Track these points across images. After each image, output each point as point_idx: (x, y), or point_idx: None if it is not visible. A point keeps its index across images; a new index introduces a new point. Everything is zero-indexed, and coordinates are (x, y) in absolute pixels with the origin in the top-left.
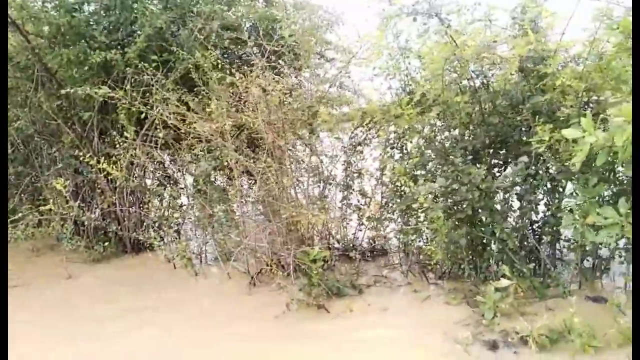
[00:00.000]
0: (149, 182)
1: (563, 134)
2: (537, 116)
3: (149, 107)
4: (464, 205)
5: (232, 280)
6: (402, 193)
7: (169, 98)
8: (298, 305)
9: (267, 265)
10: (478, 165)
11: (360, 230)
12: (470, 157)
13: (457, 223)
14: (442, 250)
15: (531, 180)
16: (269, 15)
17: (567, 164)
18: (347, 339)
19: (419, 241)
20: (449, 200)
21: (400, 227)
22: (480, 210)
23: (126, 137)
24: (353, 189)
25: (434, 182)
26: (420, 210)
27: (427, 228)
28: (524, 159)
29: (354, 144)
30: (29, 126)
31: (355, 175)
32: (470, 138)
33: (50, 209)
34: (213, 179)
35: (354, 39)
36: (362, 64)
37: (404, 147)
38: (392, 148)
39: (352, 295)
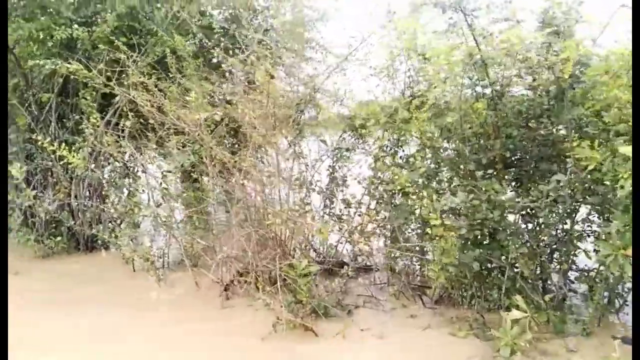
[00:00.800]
0: (109, 174)
1: (623, 152)
2: (573, 130)
3: (124, 90)
4: (476, 224)
5: (202, 289)
6: (394, 205)
7: (145, 83)
8: (285, 325)
9: (241, 275)
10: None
11: (342, 243)
12: (490, 171)
13: (468, 244)
14: (445, 272)
15: (552, 201)
16: (251, 5)
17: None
18: None
19: (415, 260)
20: (455, 218)
21: (390, 243)
22: (495, 232)
23: (93, 124)
24: (336, 198)
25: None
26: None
27: (433, 247)
28: (560, 176)
29: (342, 147)
30: None
31: (340, 182)
32: (480, 150)
33: None
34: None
35: (346, 36)
36: (358, 63)
37: (396, 155)
38: (387, 155)
39: (340, 317)
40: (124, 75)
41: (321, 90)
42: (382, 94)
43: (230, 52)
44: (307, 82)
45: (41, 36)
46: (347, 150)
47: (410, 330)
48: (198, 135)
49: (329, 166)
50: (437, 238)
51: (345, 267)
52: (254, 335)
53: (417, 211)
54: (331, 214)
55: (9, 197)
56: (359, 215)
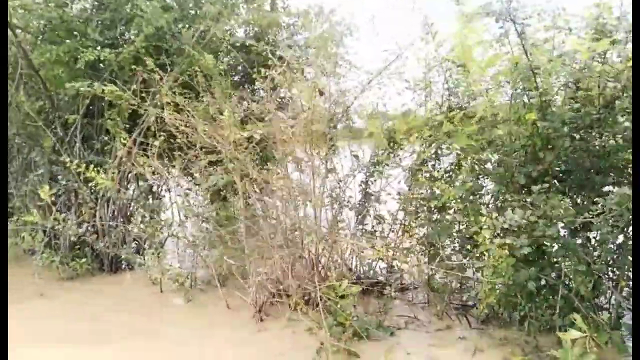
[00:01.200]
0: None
1: None
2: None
3: (159, 111)
4: (531, 241)
5: (232, 310)
6: (435, 221)
7: (176, 102)
8: (324, 351)
9: (273, 296)
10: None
11: (375, 261)
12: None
13: (521, 262)
14: (495, 292)
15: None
16: (277, 22)
17: None
18: None
19: (457, 279)
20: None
21: (428, 260)
22: (549, 248)
23: (123, 144)
24: (369, 214)
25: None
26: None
27: (483, 266)
28: (625, 190)
29: (377, 162)
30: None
31: (373, 198)
32: (529, 163)
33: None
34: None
35: (379, 49)
36: (394, 77)
37: (436, 169)
38: (430, 170)
39: (382, 339)
40: (157, 96)
41: (355, 106)
42: (420, 107)
43: (260, 69)
44: (339, 97)
45: (67, 59)
46: (380, 164)
47: (459, 352)
48: (230, 153)
49: (361, 182)
50: (486, 256)
51: (388, 287)
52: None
53: (462, 227)
54: (364, 230)
55: (34, 219)
56: (392, 231)
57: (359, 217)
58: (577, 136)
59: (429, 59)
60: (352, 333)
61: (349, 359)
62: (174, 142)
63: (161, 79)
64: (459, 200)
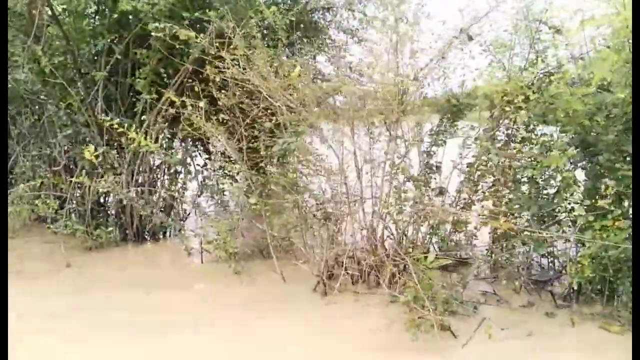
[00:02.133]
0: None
1: None
2: None
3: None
4: None
5: (289, 283)
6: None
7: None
8: (423, 325)
9: (334, 268)
10: None
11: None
12: None
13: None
14: (592, 266)
15: None
16: None
17: None
18: None
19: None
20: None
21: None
22: None
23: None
24: (432, 188)
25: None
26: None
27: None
28: None
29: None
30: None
31: (435, 169)
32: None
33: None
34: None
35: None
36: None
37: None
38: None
39: (468, 314)
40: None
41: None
42: (504, 71)
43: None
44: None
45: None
46: (443, 133)
47: (555, 329)
48: (302, 114)
49: (423, 152)
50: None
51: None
52: (392, 336)
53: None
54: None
55: (83, 180)
56: (457, 204)
57: (421, 188)
58: None
59: (516, 19)
60: (443, 308)
61: (441, 334)
62: (213, 104)
63: (234, 28)
64: (559, 169)
